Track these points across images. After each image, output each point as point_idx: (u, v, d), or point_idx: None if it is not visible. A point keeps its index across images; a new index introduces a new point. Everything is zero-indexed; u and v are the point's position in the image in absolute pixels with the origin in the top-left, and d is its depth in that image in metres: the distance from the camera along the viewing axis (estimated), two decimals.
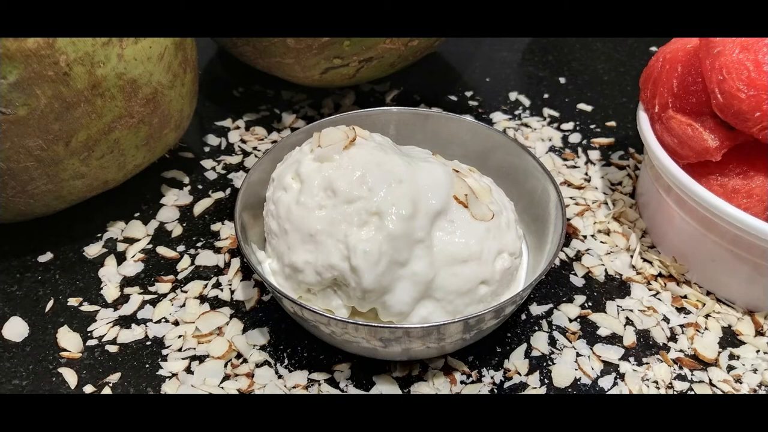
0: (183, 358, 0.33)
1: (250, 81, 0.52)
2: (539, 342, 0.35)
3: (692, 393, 0.33)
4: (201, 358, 0.33)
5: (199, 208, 0.42)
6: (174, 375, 0.33)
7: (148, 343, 0.34)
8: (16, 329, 0.35)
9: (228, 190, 0.43)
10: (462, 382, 0.33)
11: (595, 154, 0.47)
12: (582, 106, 0.51)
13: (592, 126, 0.49)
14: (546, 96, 0.52)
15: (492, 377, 0.33)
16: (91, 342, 0.34)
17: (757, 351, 0.34)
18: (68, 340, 0.34)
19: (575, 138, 0.48)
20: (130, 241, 0.40)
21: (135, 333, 0.35)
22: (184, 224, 0.41)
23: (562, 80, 0.54)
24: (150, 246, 0.39)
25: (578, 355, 0.34)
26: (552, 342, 0.35)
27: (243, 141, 0.47)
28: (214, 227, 0.41)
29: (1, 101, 0.30)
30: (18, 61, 0.29)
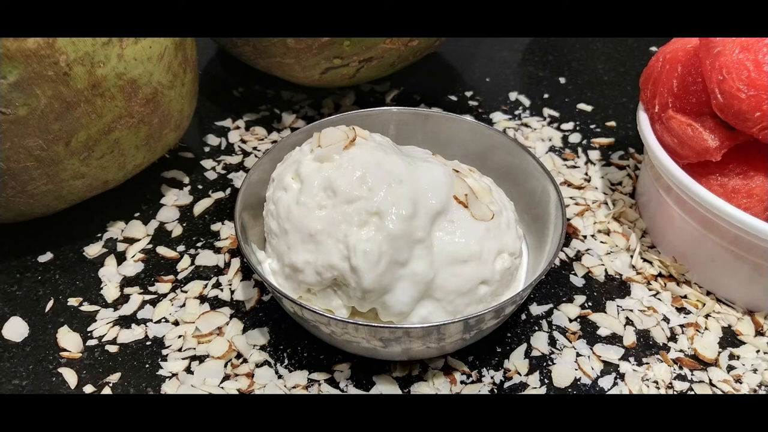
0: (183, 358, 0.33)
1: (250, 81, 0.52)
2: (539, 342, 0.35)
3: (692, 393, 0.33)
4: (201, 358, 0.33)
5: (199, 208, 0.42)
6: (174, 375, 0.33)
7: (148, 343, 0.34)
8: (16, 329, 0.35)
9: (228, 190, 0.43)
10: (462, 382, 0.33)
11: (595, 154, 0.47)
12: (582, 106, 0.51)
13: (592, 126, 0.49)
14: (546, 96, 0.52)
15: (492, 377, 0.33)
16: (91, 342, 0.34)
17: (757, 351, 0.34)
18: (68, 340, 0.34)
19: (575, 138, 0.48)
20: (130, 241, 0.40)
21: (135, 333, 0.35)
22: (184, 224, 0.41)
23: (562, 80, 0.54)
24: (150, 246, 0.39)
25: (578, 355, 0.34)
26: (552, 342, 0.35)
27: (243, 141, 0.47)
28: (214, 227, 0.41)
29: (1, 101, 0.30)
30: (18, 61, 0.29)
